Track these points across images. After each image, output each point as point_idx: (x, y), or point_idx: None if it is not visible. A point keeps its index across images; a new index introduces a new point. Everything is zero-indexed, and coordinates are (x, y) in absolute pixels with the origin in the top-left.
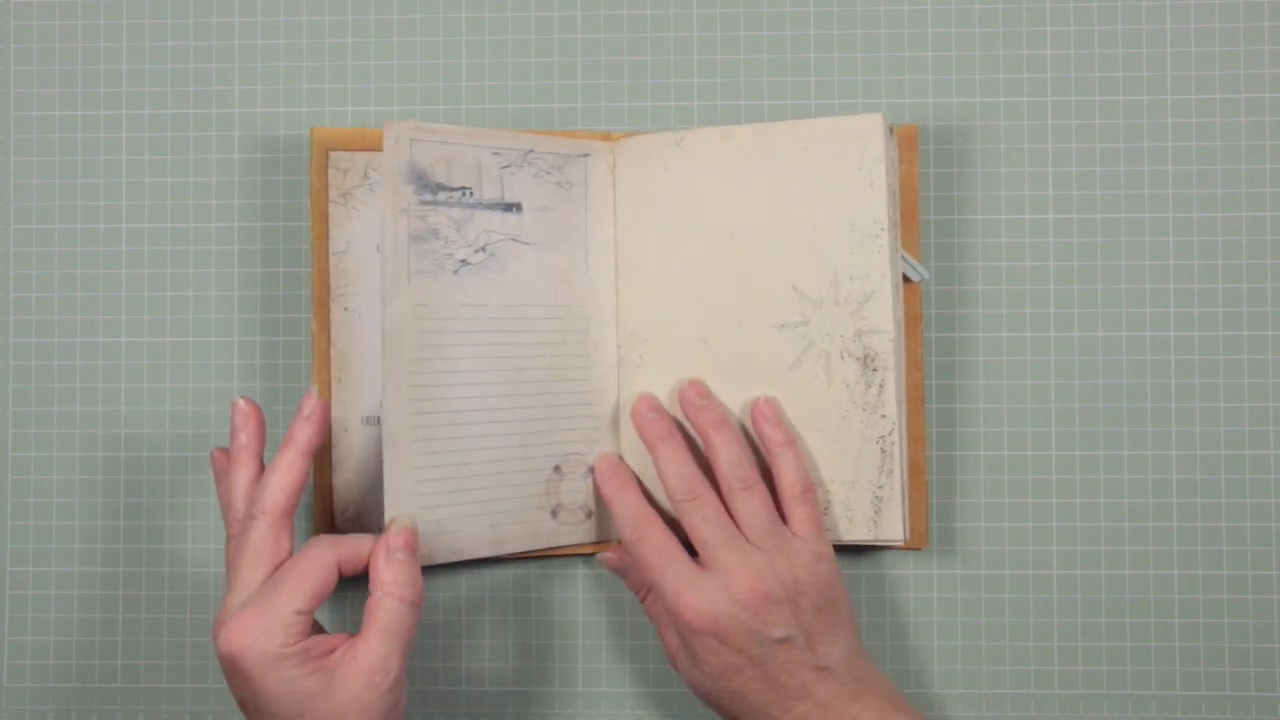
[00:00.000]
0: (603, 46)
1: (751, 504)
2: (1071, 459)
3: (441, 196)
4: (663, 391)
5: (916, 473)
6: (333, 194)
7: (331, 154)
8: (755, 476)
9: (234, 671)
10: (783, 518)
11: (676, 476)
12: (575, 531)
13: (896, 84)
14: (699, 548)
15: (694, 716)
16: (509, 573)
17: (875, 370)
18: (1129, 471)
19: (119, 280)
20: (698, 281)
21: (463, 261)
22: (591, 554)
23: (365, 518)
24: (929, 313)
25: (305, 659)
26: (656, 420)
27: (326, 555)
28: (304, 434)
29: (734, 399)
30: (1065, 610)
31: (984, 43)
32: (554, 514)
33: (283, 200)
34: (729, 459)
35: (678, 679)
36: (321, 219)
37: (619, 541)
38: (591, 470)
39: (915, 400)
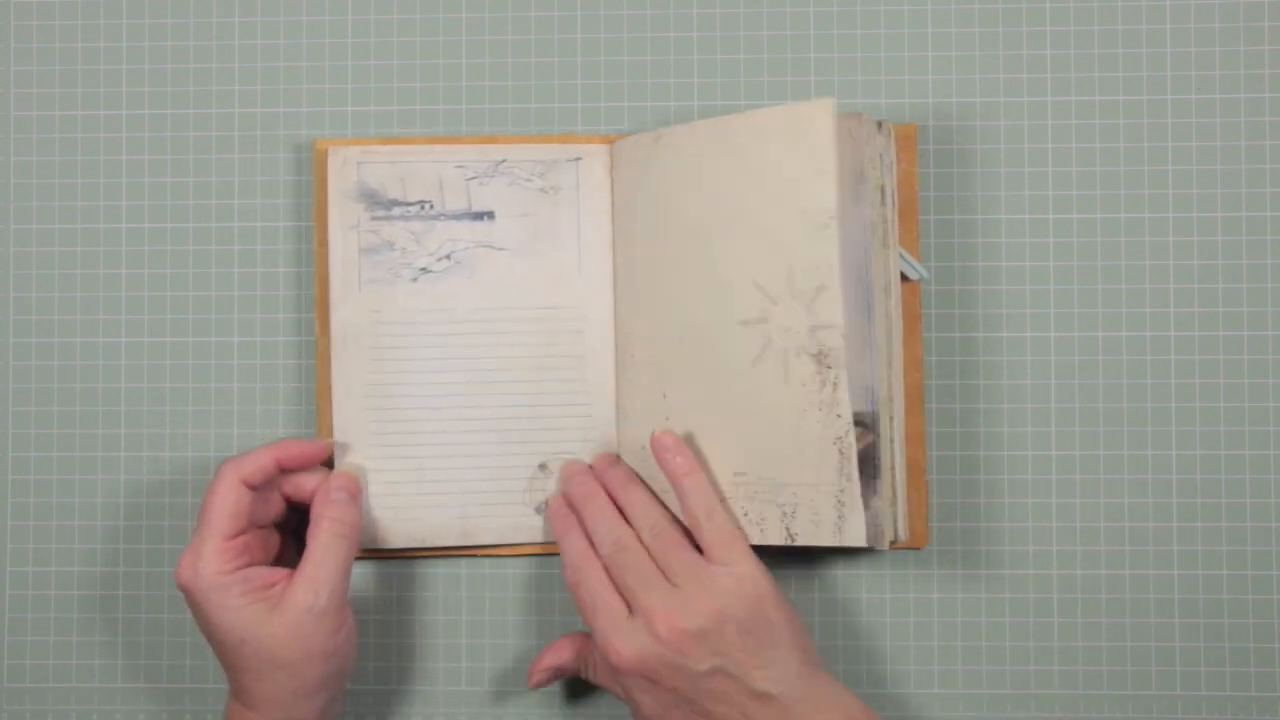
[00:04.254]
0: (603, 47)
1: (662, 545)
2: (1071, 459)
3: (396, 211)
4: (650, 389)
5: (916, 473)
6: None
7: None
8: (664, 520)
9: (189, 604)
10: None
11: (601, 532)
12: None
13: (896, 84)
14: (626, 595)
15: None
16: (509, 573)
17: (829, 368)
18: (1129, 471)
19: (119, 280)
20: (675, 279)
21: (423, 269)
22: None
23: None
24: (929, 313)
25: (246, 589)
26: (583, 483)
27: (230, 478)
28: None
29: (705, 398)
30: (1065, 610)
31: (984, 43)
32: (538, 510)
33: (283, 200)
34: (640, 510)
35: None
36: (323, 226)
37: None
38: (590, 468)
39: (915, 400)
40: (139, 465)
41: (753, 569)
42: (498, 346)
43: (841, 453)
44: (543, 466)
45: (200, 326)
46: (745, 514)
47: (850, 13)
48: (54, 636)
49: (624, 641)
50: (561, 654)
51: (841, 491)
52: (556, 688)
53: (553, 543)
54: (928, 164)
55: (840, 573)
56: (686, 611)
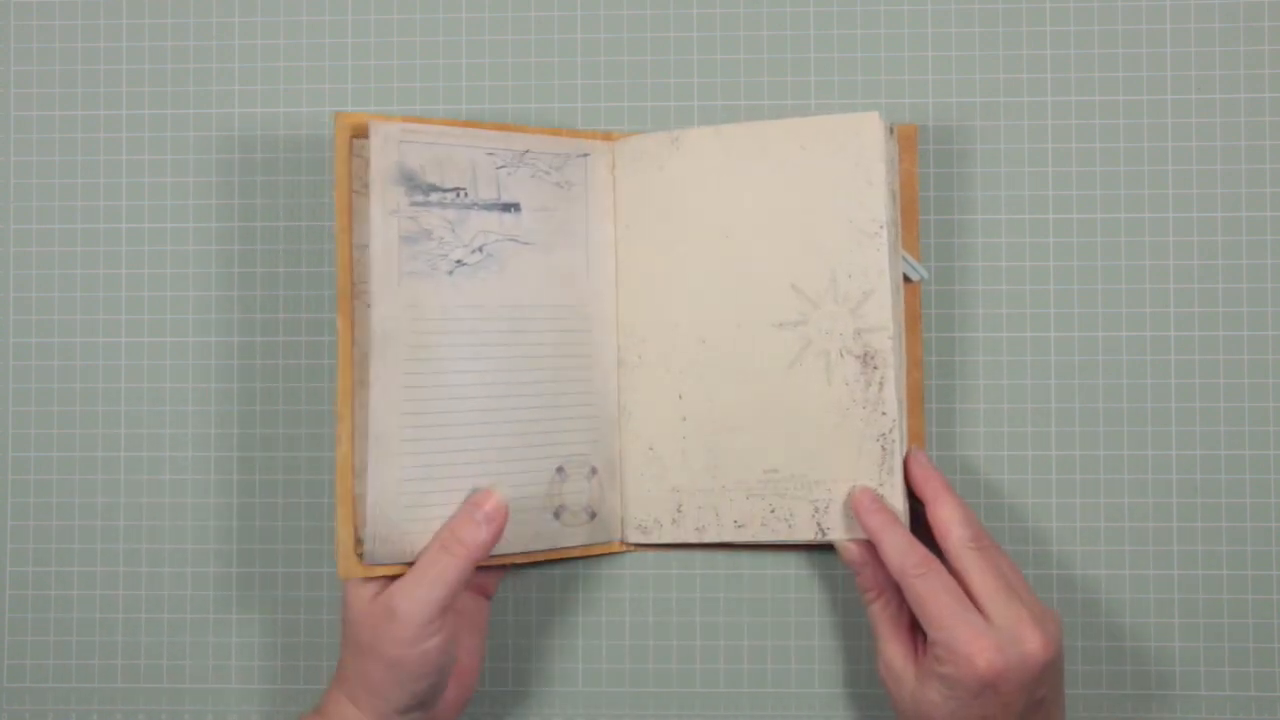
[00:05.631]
0: (603, 47)
1: (1005, 560)
2: (1071, 459)
3: (434, 198)
4: (661, 390)
5: None
6: (355, 184)
7: (355, 142)
8: (988, 537)
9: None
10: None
11: (906, 551)
12: (578, 533)
13: (896, 84)
14: (980, 597)
15: (693, 716)
16: (509, 573)
17: (875, 368)
18: (1129, 471)
19: (119, 280)
20: (695, 281)
21: (458, 262)
22: (599, 555)
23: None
24: (929, 313)
25: (380, 586)
26: (878, 513)
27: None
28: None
29: (732, 398)
30: (1065, 610)
31: (984, 43)
32: (556, 515)
33: (283, 200)
34: (956, 517)
35: (677, 679)
36: (345, 210)
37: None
38: (595, 471)
39: (915, 400)
40: (139, 465)
41: None
42: (521, 346)
43: (884, 448)
44: (560, 470)
45: (200, 326)
46: (773, 510)
47: (850, 13)
48: (54, 636)
49: (995, 649)
50: (872, 558)
51: (881, 485)
52: (557, 685)
53: (562, 547)
54: (928, 164)
55: (839, 573)
56: (1050, 634)
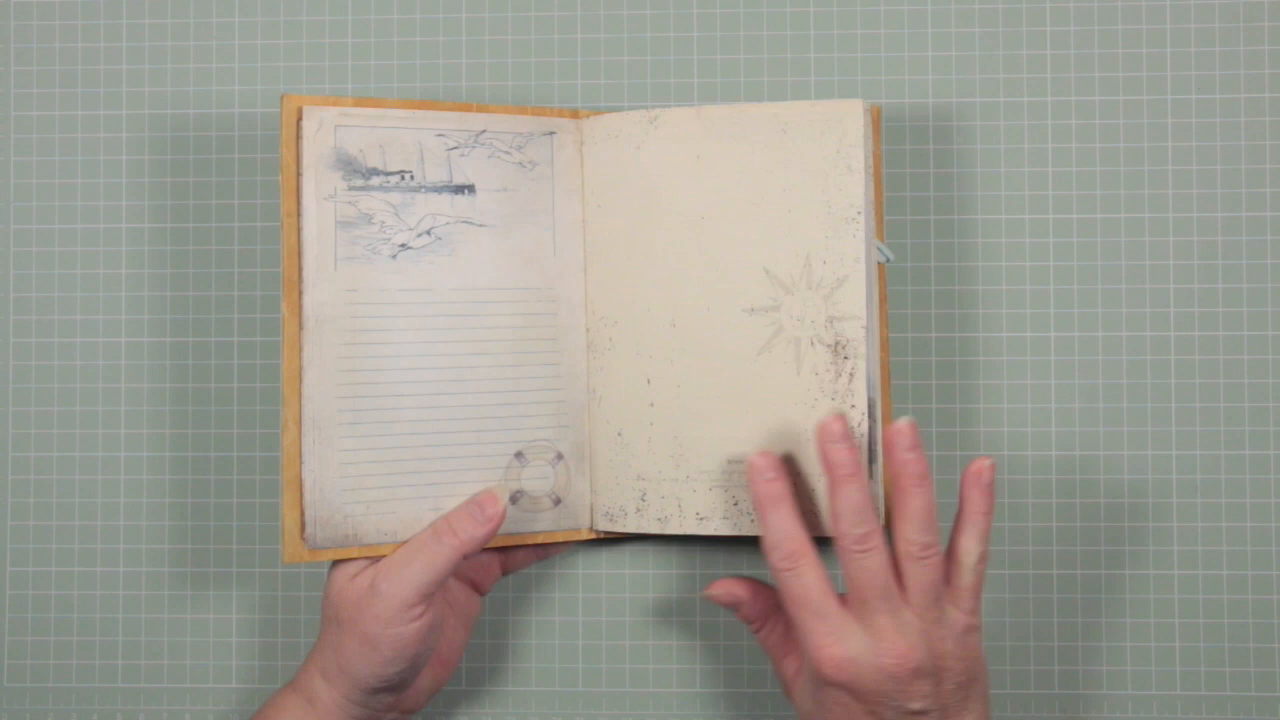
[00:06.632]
0: (603, 48)
1: (927, 574)
2: (1071, 459)
3: (376, 181)
4: (631, 374)
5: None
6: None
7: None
8: (938, 546)
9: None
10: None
11: (853, 519)
12: (541, 519)
13: (897, 84)
14: (854, 596)
15: (693, 716)
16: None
17: (846, 358)
18: (1129, 471)
19: (119, 280)
20: (668, 263)
21: (402, 246)
22: (586, 540)
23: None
24: (929, 313)
25: (361, 566)
26: (845, 450)
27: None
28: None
29: (700, 384)
30: (1065, 610)
31: (984, 43)
32: (513, 500)
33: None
34: (919, 523)
35: (678, 679)
36: (291, 194)
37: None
38: (561, 456)
39: (884, 381)
40: (139, 465)
41: (980, 624)
42: (476, 329)
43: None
44: (519, 455)
45: (200, 326)
46: (735, 503)
47: (850, 13)
48: (54, 636)
49: (843, 655)
50: (743, 594)
51: None
52: (557, 685)
53: (518, 533)
54: (928, 164)
55: (838, 573)
56: (921, 647)
